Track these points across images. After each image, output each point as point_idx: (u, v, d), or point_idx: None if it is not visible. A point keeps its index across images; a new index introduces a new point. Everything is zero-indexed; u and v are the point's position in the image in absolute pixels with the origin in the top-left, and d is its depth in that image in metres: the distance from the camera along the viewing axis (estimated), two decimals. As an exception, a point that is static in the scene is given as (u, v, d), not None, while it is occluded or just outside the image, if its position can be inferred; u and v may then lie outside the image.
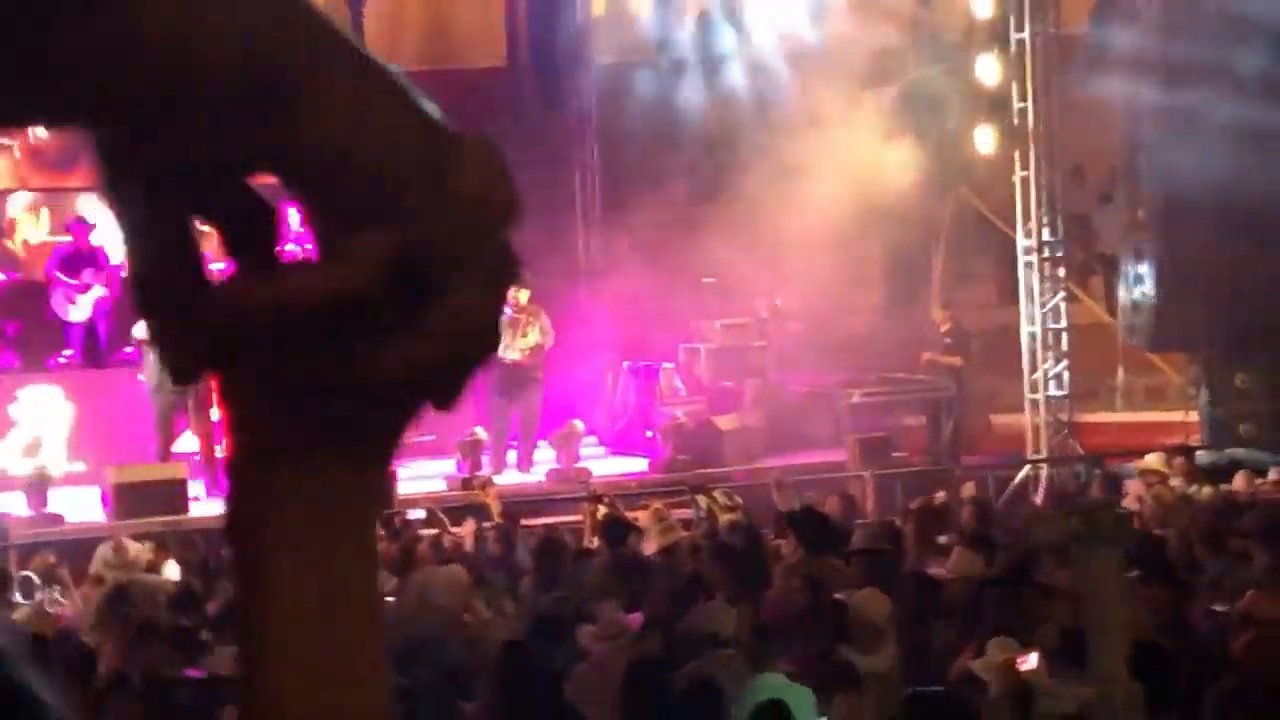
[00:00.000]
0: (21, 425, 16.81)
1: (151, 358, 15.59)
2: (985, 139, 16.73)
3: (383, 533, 13.37)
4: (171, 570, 12.09)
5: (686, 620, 8.85)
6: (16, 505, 14.83)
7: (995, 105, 16.55)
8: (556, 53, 23.00)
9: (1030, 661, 7.24)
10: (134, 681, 8.25)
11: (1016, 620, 8.29)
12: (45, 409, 16.92)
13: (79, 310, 18.07)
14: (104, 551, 12.00)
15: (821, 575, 10.02)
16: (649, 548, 11.81)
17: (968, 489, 14.50)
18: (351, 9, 25.64)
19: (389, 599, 10.44)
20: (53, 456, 16.38)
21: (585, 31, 22.58)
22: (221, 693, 7.77)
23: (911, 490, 14.78)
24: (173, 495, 14.93)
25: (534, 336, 16.81)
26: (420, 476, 15.59)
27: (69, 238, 18.50)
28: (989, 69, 16.45)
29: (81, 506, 15.34)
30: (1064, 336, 17.46)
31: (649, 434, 16.98)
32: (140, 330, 15.70)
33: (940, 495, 13.79)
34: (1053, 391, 17.41)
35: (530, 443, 16.84)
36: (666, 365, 18.06)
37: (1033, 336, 17.27)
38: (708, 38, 24.89)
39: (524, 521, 13.07)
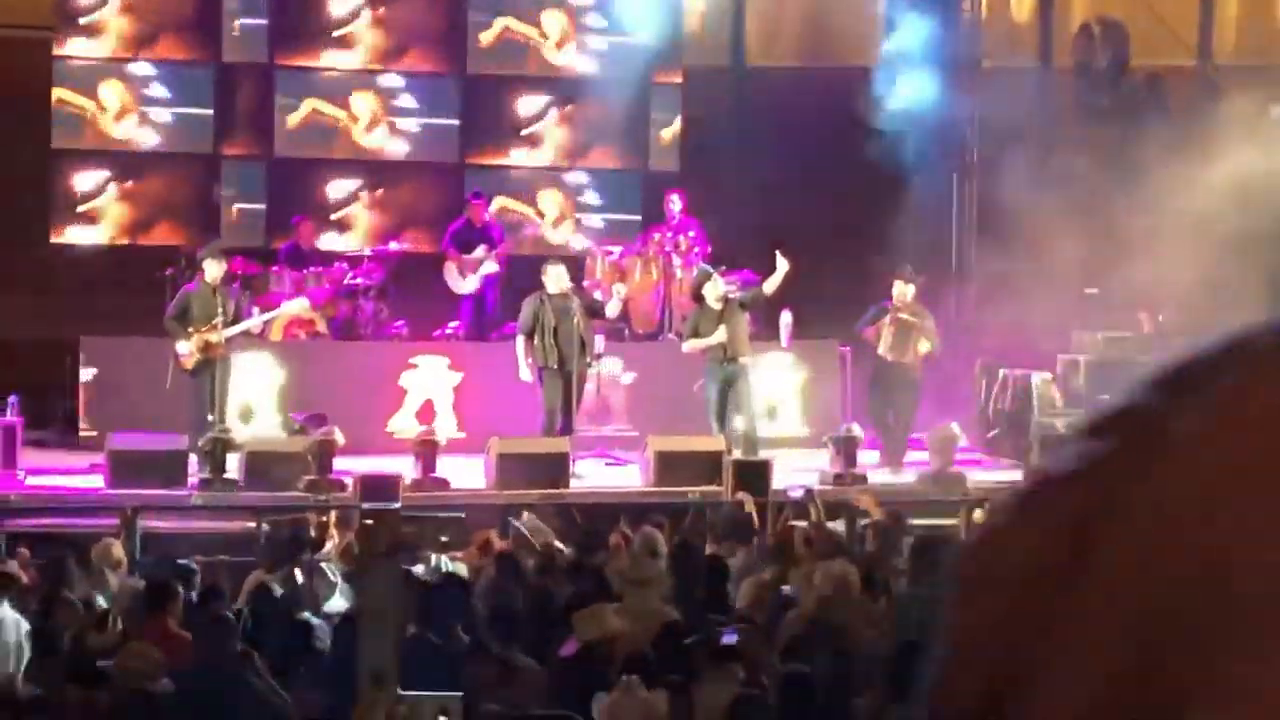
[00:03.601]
0: (412, 392, 17.39)
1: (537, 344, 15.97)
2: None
3: (759, 519, 13.58)
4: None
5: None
6: (406, 469, 15.26)
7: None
8: (936, 54, 22.88)
9: None
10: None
11: None
12: (436, 377, 17.49)
13: (469, 284, 18.59)
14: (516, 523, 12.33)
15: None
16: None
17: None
18: (734, 7, 25.90)
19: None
20: (441, 424, 16.92)
21: (970, 31, 22.41)
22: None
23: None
24: (556, 468, 15.29)
25: (925, 345, 16.77)
26: (797, 469, 15.71)
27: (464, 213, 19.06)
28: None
29: (466, 473, 15.71)
30: None
31: (1025, 444, 16.79)
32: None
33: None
34: None
35: (903, 444, 16.78)
36: (1045, 375, 17.85)
37: None
38: (1089, 50, 24.52)
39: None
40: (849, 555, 11.72)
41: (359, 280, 18.34)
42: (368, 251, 18.86)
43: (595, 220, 21.16)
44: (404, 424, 17.04)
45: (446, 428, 16.93)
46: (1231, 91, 20.89)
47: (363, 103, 20.84)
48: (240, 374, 16.56)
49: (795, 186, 21.51)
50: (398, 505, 13.77)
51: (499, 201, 20.44)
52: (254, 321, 16.32)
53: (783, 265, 16.21)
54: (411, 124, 21.07)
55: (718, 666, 8.15)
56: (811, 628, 9.43)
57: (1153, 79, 21.05)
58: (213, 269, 15.90)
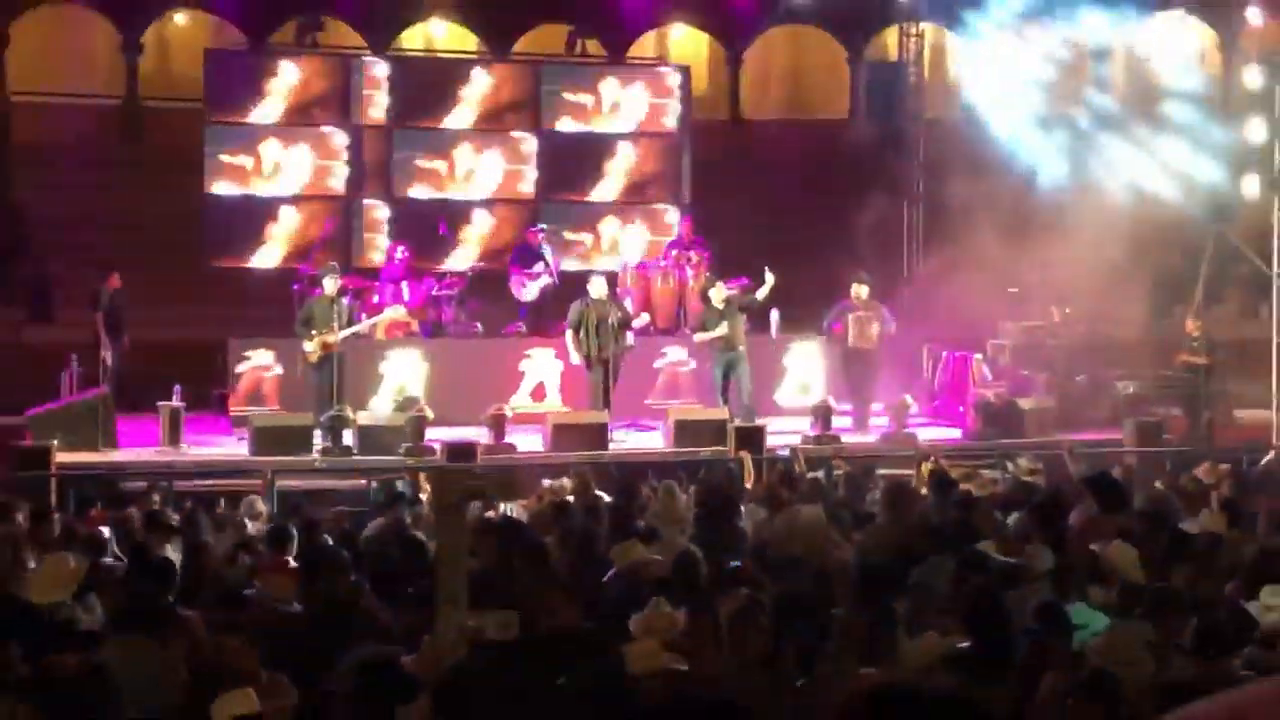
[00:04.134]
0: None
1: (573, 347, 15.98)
2: (1251, 186, 15.95)
3: (755, 470, 13.55)
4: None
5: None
6: (482, 436, 15.26)
7: (1261, 159, 15.76)
8: (892, 107, 22.83)
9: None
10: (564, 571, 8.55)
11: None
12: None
13: (529, 292, 18.59)
14: (554, 482, 12.29)
15: (1109, 528, 9.73)
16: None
17: (1212, 469, 13.82)
18: (730, 71, 25.86)
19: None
20: (518, 401, 16.91)
21: (916, 91, 22.36)
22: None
23: (1176, 467, 14.27)
24: (597, 435, 15.27)
25: (877, 327, 16.74)
26: (783, 431, 15.67)
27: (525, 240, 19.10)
28: (1257, 130, 15.68)
29: (527, 440, 15.71)
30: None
31: (962, 409, 16.73)
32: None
33: (1200, 470, 13.26)
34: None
35: (867, 410, 16.74)
36: (978, 356, 17.82)
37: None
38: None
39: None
40: (825, 498, 11.66)
41: (443, 292, 18.36)
42: (450, 269, 18.79)
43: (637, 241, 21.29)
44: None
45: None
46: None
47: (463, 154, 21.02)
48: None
49: (780, 213, 21.49)
50: (474, 465, 13.79)
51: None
52: (362, 325, 16.33)
53: (770, 279, 16.19)
54: (498, 172, 21.26)
55: (725, 587, 8.12)
56: (793, 555, 9.38)
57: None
58: (329, 285, 15.91)
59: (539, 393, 17.35)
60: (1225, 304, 20.87)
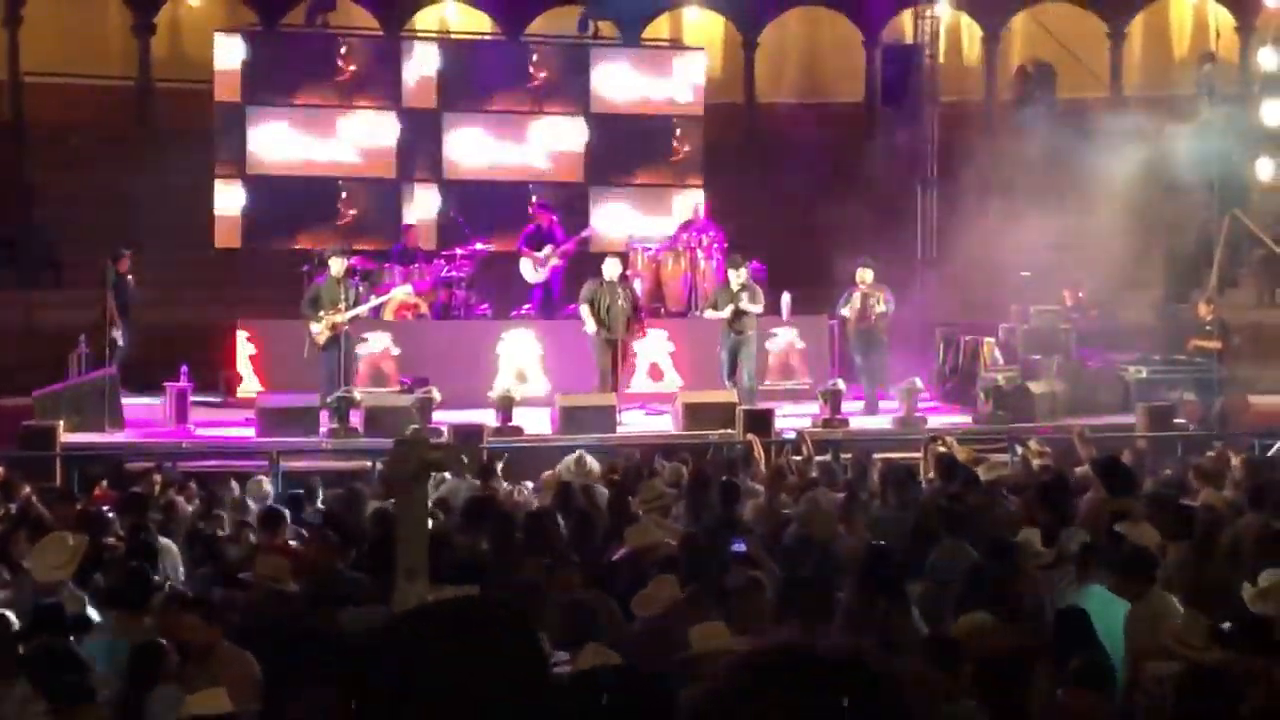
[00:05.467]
0: (504, 359, 17.36)
1: (589, 317, 15.91)
2: (1265, 169, 15.79)
3: (762, 455, 13.43)
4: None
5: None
6: (489, 419, 15.19)
7: (1275, 141, 15.61)
8: (906, 90, 22.66)
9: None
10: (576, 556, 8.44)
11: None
12: (520, 347, 17.47)
13: (539, 274, 18.49)
14: (569, 460, 12.17)
15: (1120, 511, 9.64)
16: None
17: (1226, 455, 13.69)
18: (746, 54, 25.70)
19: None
20: (515, 384, 16.84)
21: (931, 74, 22.23)
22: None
23: (1188, 451, 14.15)
24: (605, 417, 15.17)
25: (881, 306, 16.65)
26: (793, 415, 15.58)
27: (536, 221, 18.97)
28: (1273, 112, 15.52)
29: (536, 422, 15.61)
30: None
31: (973, 393, 16.60)
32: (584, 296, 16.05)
33: (1211, 454, 13.14)
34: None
35: (876, 393, 16.63)
36: (989, 340, 17.68)
37: (1294, 331, 16.26)
38: (1025, 86, 24.26)
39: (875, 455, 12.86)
40: (833, 482, 11.57)
41: (453, 273, 18.26)
42: (460, 251, 18.73)
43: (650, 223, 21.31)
44: (502, 385, 16.92)
45: (525, 386, 16.89)
46: (1137, 115, 20.61)
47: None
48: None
49: (794, 197, 21.36)
50: (484, 446, 13.71)
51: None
52: (368, 305, 16.26)
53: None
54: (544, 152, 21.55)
55: (729, 567, 8.06)
56: (800, 538, 9.30)
57: (1076, 106, 20.77)
58: (336, 265, 15.84)
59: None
60: (1240, 288, 20.72)
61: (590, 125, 21.57)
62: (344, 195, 20.88)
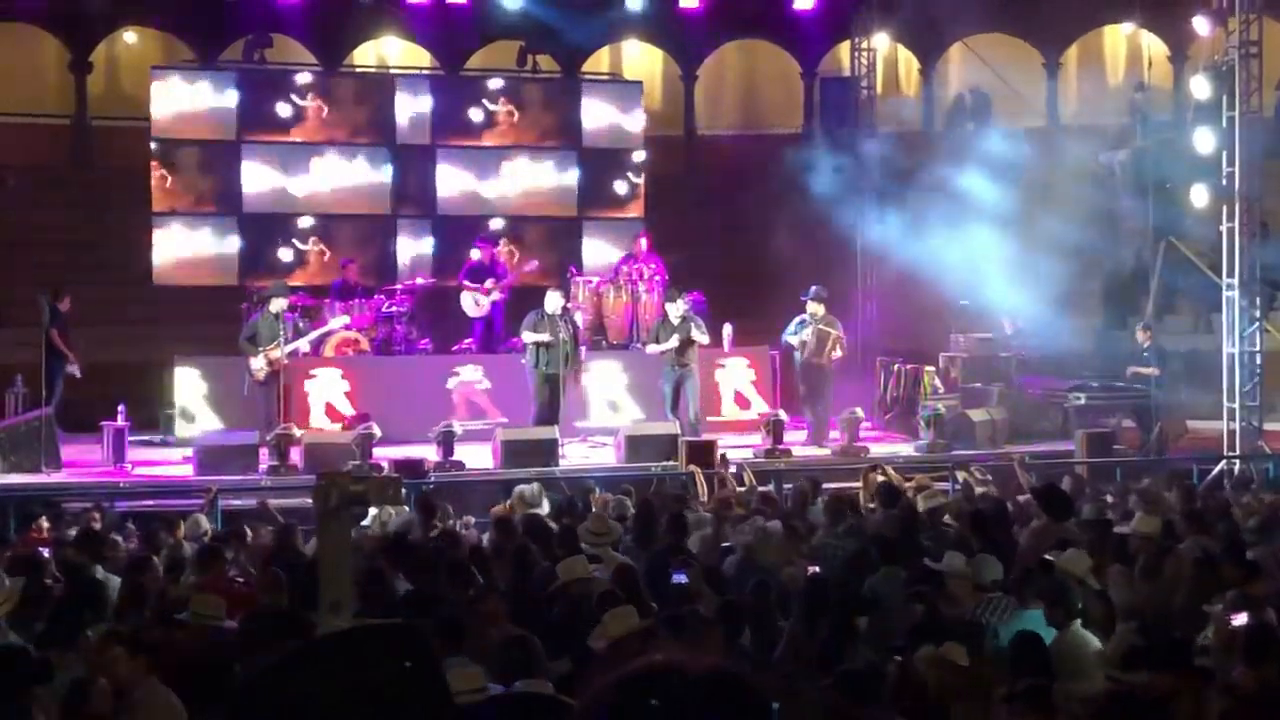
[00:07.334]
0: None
1: (532, 350, 15.90)
2: (1199, 196, 16.02)
3: (705, 484, 13.46)
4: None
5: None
6: (430, 454, 15.14)
7: (1207, 169, 15.83)
8: (844, 121, 22.87)
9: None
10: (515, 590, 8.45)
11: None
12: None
13: (480, 309, 18.47)
14: (520, 491, 12.13)
15: (1066, 539, 9.72)
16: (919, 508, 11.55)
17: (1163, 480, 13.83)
18: (685, 85, 25.85)
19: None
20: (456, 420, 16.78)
21: (868, 105, 22.44)
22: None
23: (1127, 476, 14.30)
24: (546, 451, 15.14)
25: (838, 351, 16.59)
26: (735, 445, 15.60)
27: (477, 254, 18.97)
28: (1205, 140, 15.75)
29: (476, 456, 15.53)
30: (1258, 358, 16.56)
31: (914, 421, 16.71)
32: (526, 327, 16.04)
33: (1148, 480, 13.31)
34: (1246, 403, 16.56)
35: (826, 426, 16.67)
36: (930, 368, 17.79)
37: (1231, 357, 16.43)
38: (962, 115, 24.54)
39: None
40: (776, 512, 11.60)
41: (393, 308, 18.23)
42: (399, 286, 18.67)
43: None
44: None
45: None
46: (1073, 143, 20.90)
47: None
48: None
49: (734, 228, 21.48)
50: (429, 482, 13.67)
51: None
52: (307, 338, 16.20)
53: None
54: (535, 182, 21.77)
55: (670, 598, 8.08)
56: (743, 567, 9.33)
57: (1012, 135, 20.98)
58: (277, 303, 15.78)
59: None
60: (1177, 315, 20.98)
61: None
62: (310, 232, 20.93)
